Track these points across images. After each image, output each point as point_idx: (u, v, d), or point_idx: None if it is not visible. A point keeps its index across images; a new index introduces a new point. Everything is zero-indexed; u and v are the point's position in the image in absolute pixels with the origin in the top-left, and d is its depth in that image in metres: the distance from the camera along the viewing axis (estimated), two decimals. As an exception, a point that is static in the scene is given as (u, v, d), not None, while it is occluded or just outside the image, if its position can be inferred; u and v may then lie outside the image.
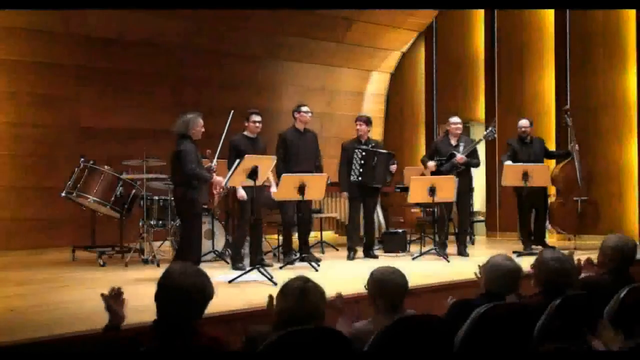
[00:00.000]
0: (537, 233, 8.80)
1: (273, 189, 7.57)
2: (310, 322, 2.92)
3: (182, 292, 2.78)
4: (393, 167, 8.40)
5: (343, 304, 3.68)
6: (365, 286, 3.52)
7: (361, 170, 8.16)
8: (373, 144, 8.37)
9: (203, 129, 6.78)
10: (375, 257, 8.28)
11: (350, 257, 8.19)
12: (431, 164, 8.41)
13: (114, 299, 3.08)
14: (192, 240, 6.68)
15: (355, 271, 6.96)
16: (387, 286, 3.42)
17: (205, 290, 2.84)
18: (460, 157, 8.30)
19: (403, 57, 12.57)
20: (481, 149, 11.23)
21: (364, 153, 8.19)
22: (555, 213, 9.08)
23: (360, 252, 8.34)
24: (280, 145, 7.81)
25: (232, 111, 7.35)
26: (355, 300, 4.44)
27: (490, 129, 8.70)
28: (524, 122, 8.84)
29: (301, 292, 2.99)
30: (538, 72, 10.84)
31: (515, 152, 8.69)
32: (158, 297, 2.83)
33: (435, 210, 8.71)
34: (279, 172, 7.55)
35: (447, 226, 8.57)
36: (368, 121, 8.34)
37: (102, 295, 3.10)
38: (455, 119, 8.63)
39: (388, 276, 3.44)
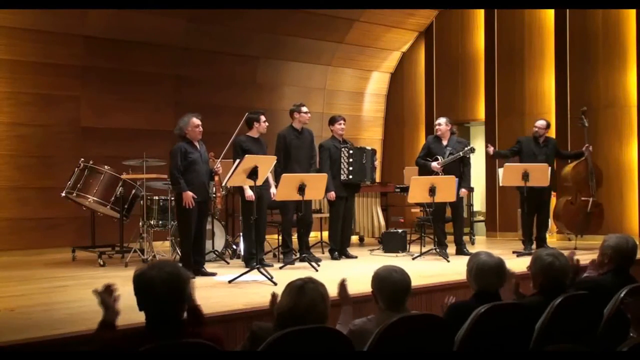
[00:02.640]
0: (538, 234, 8.78)
1: (273, 190, 7.57)
2: (306, 321, 2.93)
3: (160, 283, 2.79)
4: (376, 163, 8.69)
5: (346, 292, 3.72)
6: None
7: (351, 168, 8.23)
8: (348, 143, 8.49)
9: (200, 129, 6.92)
10: (354, 257, 8.36)
11: (336, 257, 8.22)
12: (435, 165, 8.38)
13: (107, 295, 3.09)
14: (181, 236, 7.06)
15: (356, 271, 6.96)
16: (385, 284, 3.43)
17: (179, 275, 2.85)
18: (434, 165, 8.35)
19: (403, 57, 12.57)
20: (481, 150, 11.25)
21: (351, 151, 8.27)
22: (562, 212, 9.06)
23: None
24: (281, 144, 7.82)
25: (247, 114, 7.53)
26: (355, 301, 4.44)
27: (471, 147, 8.60)
28: (540, 123, 8.71)
29: (299, 290, 3.01)
30: (538, 72, 10.84)
31: (521, 149, 8.63)
32: (139, 300, 2.84)
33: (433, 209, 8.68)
34: (278, 171, 7.56)
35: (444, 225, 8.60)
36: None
37: (95, 291, 3.12)
38: (438, 120, 8.65)
39: (388, 274, 3.45)
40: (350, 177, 8.26)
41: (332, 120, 8.45)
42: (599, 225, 9.02)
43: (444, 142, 8.53)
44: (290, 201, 7.54)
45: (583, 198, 8.95)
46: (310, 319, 2.95)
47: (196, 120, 6.91)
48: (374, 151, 8.69)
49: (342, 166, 8.24)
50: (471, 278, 3.68)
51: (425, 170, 8.47)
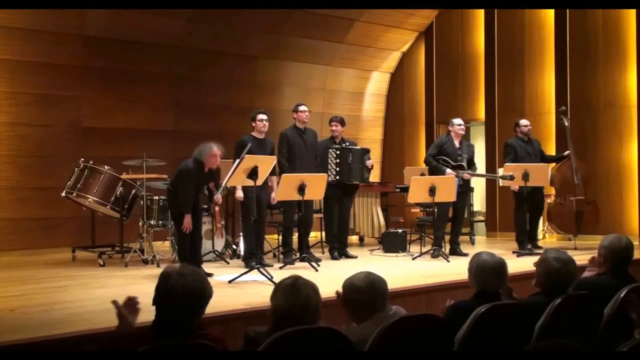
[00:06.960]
0: (531, 233, 8.79)
1: (274, 195, 7.55)
2: (304, 318, 2.93)
3: (181, 295, 2.76)
4: (369, 163, 8.46)
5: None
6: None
7: (337, 169, 8.18)
8: (347, 143, 8.41)
9: (217, 159, 6.78)
10: (354, 257, 8.36)
11: (336, 257, 8.20)
12: (450, 172, 8.30)
13: (128, 308, 3.00)
14: (179, 245, 7.08)
15: (356, 271, 6.95)
16: (352, 295, 3.38)
17: (204, 291, 2.83)
18: (449, 172, 8.29)
19: (403, 57, 12.57)
20: (481, 150, 11.26)
21: (338, 152, 8.21)
22: (554, 213, 9.08)
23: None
24: (283, 143, 7.81)
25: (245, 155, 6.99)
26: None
27: (511, 174, 8.53)
28: (526, 122, 8.89)
29: (292, 288, 3.01)
30: (538, 72, 10.84)
31: (515, 151, 8.66)
32: (157, 301, 2.81)
33: (435, 210, 8.68)
34: (282, 171, 7.56)
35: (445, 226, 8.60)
36: (342, 122, 8.43)
37: (114, 302, 3.02)
38: (459, 121, 8.62)
39: (353, 285, 3.39)
40: (337, 177, 8.17)
41: (330, 121, 8.51)
42: (595, 224, 9.01)
43: (456, 144, 8.53)
44: (292, 201, 7.54)
45: (572, 198, 8.96)
46: (307, 315, 2.96)
47: (216, 151, 6.74)
48: (364, 150, 8.52)
49: (330, 167, 8.20)
50: (472, 277, 3.69)
51: (432, 170, 8.42)
